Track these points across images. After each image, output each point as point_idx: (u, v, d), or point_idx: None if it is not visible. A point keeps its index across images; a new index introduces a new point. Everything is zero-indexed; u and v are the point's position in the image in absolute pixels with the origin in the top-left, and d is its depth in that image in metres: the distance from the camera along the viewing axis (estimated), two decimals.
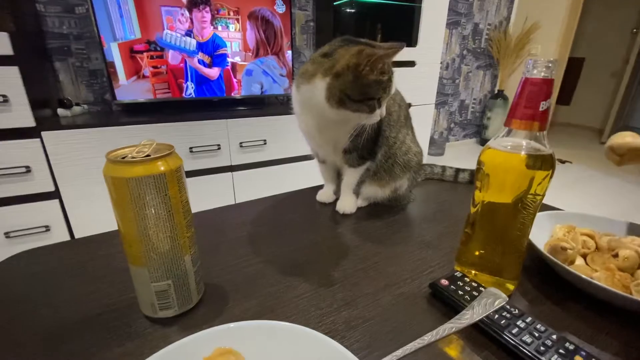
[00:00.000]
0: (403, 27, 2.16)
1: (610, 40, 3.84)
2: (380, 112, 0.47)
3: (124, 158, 0.28)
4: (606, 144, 0.42)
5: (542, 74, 0.30)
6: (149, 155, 0.29)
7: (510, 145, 0.32)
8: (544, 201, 0.61)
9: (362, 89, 0.44)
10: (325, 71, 0.44)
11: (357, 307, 0.35)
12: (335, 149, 0.53)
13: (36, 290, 0.38)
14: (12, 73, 1.17)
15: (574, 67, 3.96)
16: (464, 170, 0.71)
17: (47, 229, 1.36)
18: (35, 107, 1.25)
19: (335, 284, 0.39)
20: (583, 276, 0.34)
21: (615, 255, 0.36)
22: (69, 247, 0.47)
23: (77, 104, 1.58)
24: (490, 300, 0.25)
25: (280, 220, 0.55)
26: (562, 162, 2.98)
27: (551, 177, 0.31)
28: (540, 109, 0.30)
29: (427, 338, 0.23)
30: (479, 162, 0.34)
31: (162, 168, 0.28)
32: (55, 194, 1.35)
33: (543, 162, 0.31)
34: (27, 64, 1.25)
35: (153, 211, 0.28)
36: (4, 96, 1.16)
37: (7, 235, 1.30)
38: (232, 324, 0.27)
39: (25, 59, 1.26)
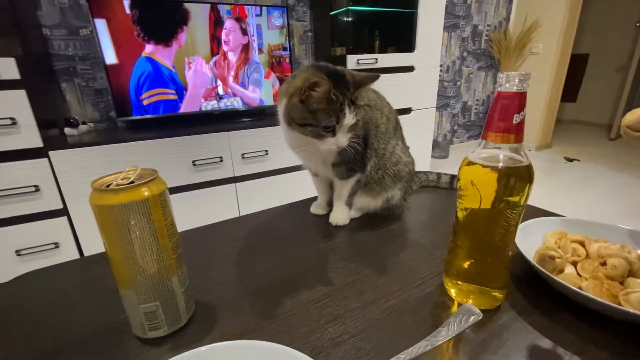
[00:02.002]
0: (400, 33, 2.17)
1: (614, 35, 3.78)
2: (337, 142, 0.46)
3: (108, 186, 0.29)
4: (622, 124, 0.41)
5: (515, 87, 0.30)
6: (133, 182, 0.30)
7: (487, 158, 0.32)
8: (542, 205, 0.61)
9: (303, 113, 0.45)
10: (286, 91, 0.46)
11: (344, 323, 0.35)
12: (324, 163, 0.54)
13: (35, 311, 0.39)
14: (20, 96, 1.22)
15: (578, 63, 3.91)
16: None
17: (57, 245, 1.39)
18: (42, 128, 1.29)
19: (324, 299, 0.39)
20: (569, 286, 0.33)
21: (604, 264, 0.36)
22: (71, 267, 0.48)
23: (84, 123, 1.63)
24: (465, 317, 0.26)
25: (273, 234, 0.56)
26: (570, 160, 2.93)
27: (530, 188, 0.31)
28: (514, 122, 0.30)
29: (403, 356, 0.23)
30: (458, 176, 0.34)
31: (146, 194, 0.29)
32: (63, 212, 1.38)
33: (521, 174, 0.31)
34: (34, 87, 1.30)
35: (138, 236, 0.29)
36: (12, 119, 1.20)
37: (17, 253, 1.33)
38: (215, 345, 0.27)
39: (33, 82, 1.31)
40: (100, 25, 1.43)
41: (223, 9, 1.65)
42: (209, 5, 1.61)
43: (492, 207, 0.32)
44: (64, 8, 1.56)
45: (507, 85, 0.30)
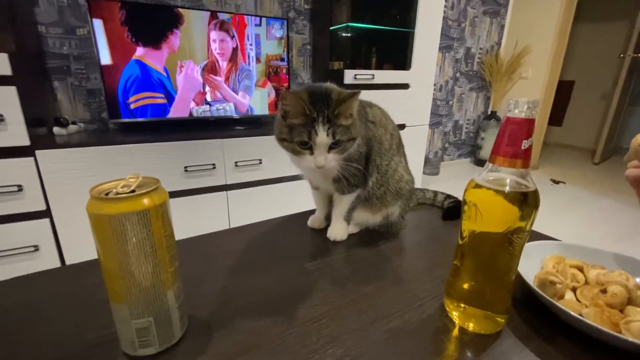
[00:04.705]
0: (397, 51, 2.22)
1: (599, 65, 3.96)
2: (315, 161, 0.45)
3: (107, 194, 0.28)
4: (632, 144, 0.39)
5: (523, 114, 0.30)
6: (134, 191, 0.29)
7: (495, 182, 0.32)
8: (536, 227, 0.61)
9: (281, 128, 0.46)
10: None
11: (344, 344, 0.34)
12: (325, 177, 0.53)
13: (16, 324, 0.36)
14: (10, 92, 1.18)
15: (564, 89, 4.07)
16: (452, 197, 0.70)
17: (36, 248, 1.34)
18: (31, 126, 1.26)
19: (323, 319, 0.38)
20: (572, 313, 0.33)
21: (604, 291, 0.36)
22: (54, 276, 0.46)
23: (74, 123, 1.59)
24: None
25: (270, 247, 0.54)
26: (556, 182, 3.01)
27: (535, 213, 0.32)
28: (522, 148, 0.30)
29: None
30: (464, 199, 0.34)
31: (147, 204, 0.28)
32: (46, 213, 1.33)
33: (527, 200, 0.31)
34: (25, 84, 1.27)
35: (135, 247, 0.28)
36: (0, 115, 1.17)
37: None
38: None
39: (24, 79, 1.27)
40: (98, 25, 1.42)
41: (223, 17, 1.65)
42: (208, 12, 1.62)
43: (497, 231, 0.32)
44: (62, 7, 1.55)
45: (516, 111, 0.31)
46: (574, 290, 0.39)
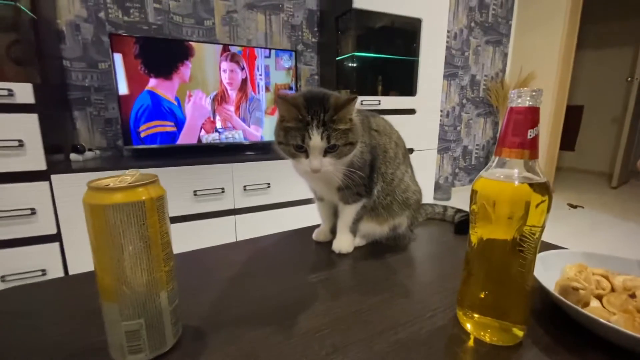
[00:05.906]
0: (402, 78, 2.27)
1: (607, 89, 3.97)
2: (310, 165, 0.45)
3: (106, 186, 0.28)
4: None
5: (527, 102, 0.29)
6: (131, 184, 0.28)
7: (502, 175, 0.31)
8: (556, 242, 0.58)
9: (278, 132, 0.47)
10: None
11: (347, 355, 0.31)
12: (329, 186, 0.52)
13: (6, 330, 0.35)
14: (31, 120, 1.24)
15: (573, 114, 4.06)
16: (463, 211, 0.68)
17: (44, 272, 1.34)
18: (49, 152, 1.30)
19: (325, 329, 0.35)
20: (600, 320, 0.30)
21: (633, 296, 0.33)
22: (49, 287, 0.45)
23: (90, 150, 1.65)
24: None
25: (273, 259, 0.53)
26: (574, 206, 2.90)
27: (548, 206, 0.30)
28: (529, 137, 0.29)
29: None
30: (472, 192, 0.33)
31: (143, 197, 0.28)
32: (56, 237, 1.34)
33: (538, 191, 0.29)
34: (46, 112, 1.33)
35: (128, 240, 0.27)
36: (19, 141, 1.22)
37: (2, 279, 1.27)
38: None
39: (46, 108, 1.34)
40: (118, 59, 1.51)
41: (234, 49, 1.74)
42: (220, 46, 1.71)
43: (508, 229, 0.30)
44: (87, 43, 1.66)
45: (519, 100, 0.30)
46: (599, 298, 0.36)
